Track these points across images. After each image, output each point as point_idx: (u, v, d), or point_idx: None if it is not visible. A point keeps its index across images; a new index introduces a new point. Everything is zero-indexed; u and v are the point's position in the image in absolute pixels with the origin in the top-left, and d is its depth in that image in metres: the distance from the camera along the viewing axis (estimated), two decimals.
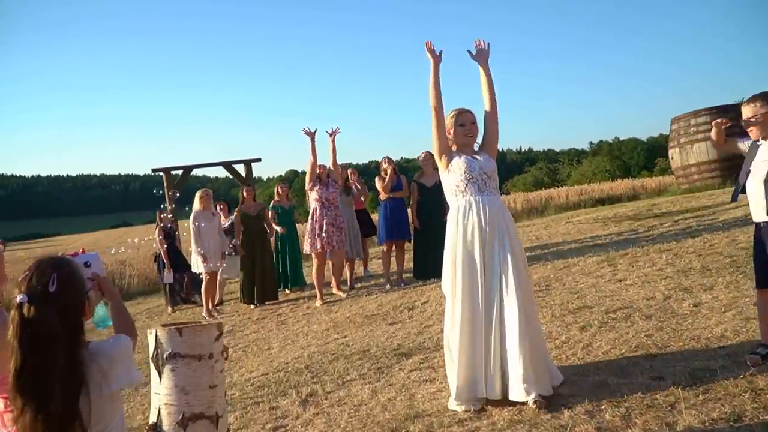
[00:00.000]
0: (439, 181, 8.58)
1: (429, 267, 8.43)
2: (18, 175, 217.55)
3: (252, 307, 8.76)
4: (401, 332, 5.67)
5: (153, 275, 15.17)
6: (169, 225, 10.10)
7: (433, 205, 8.49)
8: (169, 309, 9.96)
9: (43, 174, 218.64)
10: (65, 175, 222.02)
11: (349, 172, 9.95)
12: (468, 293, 3.54)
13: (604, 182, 29.20)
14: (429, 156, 8.69)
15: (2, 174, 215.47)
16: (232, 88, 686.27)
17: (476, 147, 3.91)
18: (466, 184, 3.70)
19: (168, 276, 9.84)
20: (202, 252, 8.45)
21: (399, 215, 8.93)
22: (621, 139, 76.57)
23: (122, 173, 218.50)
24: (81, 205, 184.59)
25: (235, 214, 8.99)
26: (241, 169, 13.65)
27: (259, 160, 13.73)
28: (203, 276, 8.66)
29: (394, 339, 5.46)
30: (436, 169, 4.44)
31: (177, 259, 10.02)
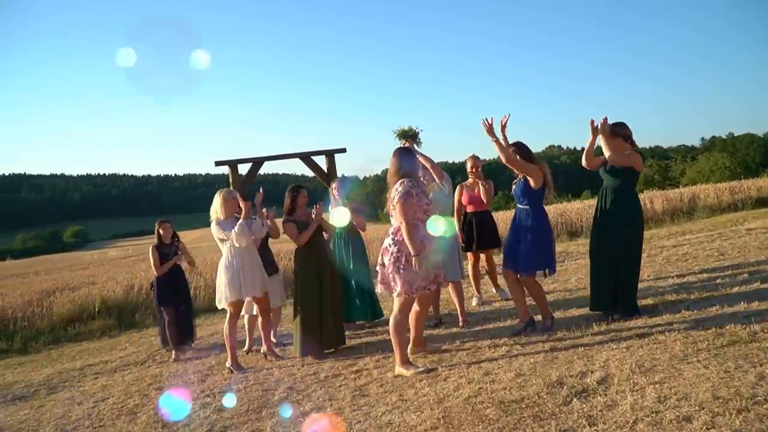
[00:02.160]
0: (630, 170, 5.06)
1: (607, 294, 5.57)
2: (130, 174, 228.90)
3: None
4: None
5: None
6: (169, 241, 7.63)
7: (621, 194, 5.54)
8: (173, 356, 7.44)
9: (153, 174, 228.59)
10: (173, 175, 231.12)
11: (469, 163, 7.22)
12: None
13: (754, 179, 24.85)
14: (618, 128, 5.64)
15: (115, 173, 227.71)
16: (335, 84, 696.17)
17: None
18: None
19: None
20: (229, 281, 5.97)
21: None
22: (736, 134, 70.98)
23: (225, 173, 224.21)
24: (187, 203, 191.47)
25: (286, 226, 6.34)
26: (321, 162, 11.06)
27: (343, 150, 11.05)
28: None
29: None
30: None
31: (175, 288, 7.61)
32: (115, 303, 11.92)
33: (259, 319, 6.39)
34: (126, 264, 24.53)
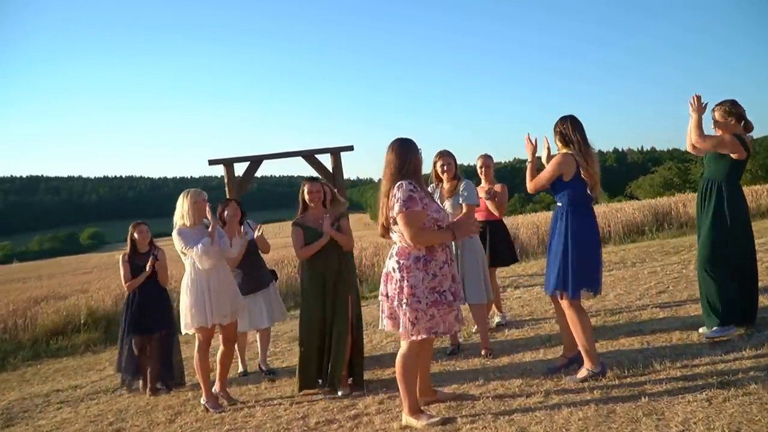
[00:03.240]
0: (725, 158, 3.29)
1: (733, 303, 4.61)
2: (147, 177, 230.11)
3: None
4: None
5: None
6: (146, 249, 6.24)
7: (715, 186, 4.66)
8: (124, 390, 6.25)
9: (170, 176, 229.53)
10: (189, 177, 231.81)
11: (479, 163, 6.16)
12: None
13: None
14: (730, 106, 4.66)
15: (132, 176, 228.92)
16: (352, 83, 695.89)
17: None
18: None
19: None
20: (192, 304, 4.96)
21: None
22: (754, 137, 69.39)
23: (240, 175, 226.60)
24: None
25: (292, 230, 5.17)
26: (326, 160, 10.04)
27: (351, 148, 10.00)
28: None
29: None
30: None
31: (144, 311, 6.14)
32: (103, 314, 10.98)
33: (220, 350, 5.24)
34: None
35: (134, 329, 6.16)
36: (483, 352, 5.29)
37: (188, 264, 5.00)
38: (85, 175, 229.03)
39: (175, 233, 4.98)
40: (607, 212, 16.72)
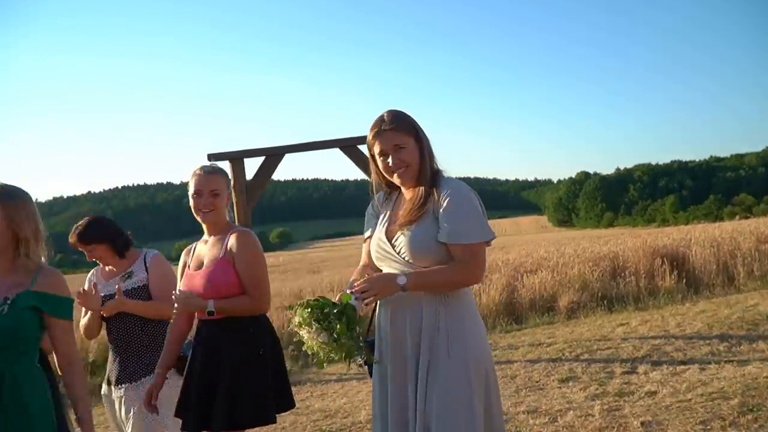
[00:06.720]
0: None
1: None
2: (330, 179, 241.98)
3: None
4: None
5: None
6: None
7: None
8: None
9: (351, 178, 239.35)
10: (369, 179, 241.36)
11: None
12: None
13: None
14: None
15: (316, 178, 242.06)
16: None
17: None
18: None
19: None
20: None
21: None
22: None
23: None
24: None
25: None
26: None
27: None
28: None
29: None
30: None
31: None
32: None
33: None
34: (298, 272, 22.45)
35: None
36: None
37: None
38: (275, 178, 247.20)
39: None
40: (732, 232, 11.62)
